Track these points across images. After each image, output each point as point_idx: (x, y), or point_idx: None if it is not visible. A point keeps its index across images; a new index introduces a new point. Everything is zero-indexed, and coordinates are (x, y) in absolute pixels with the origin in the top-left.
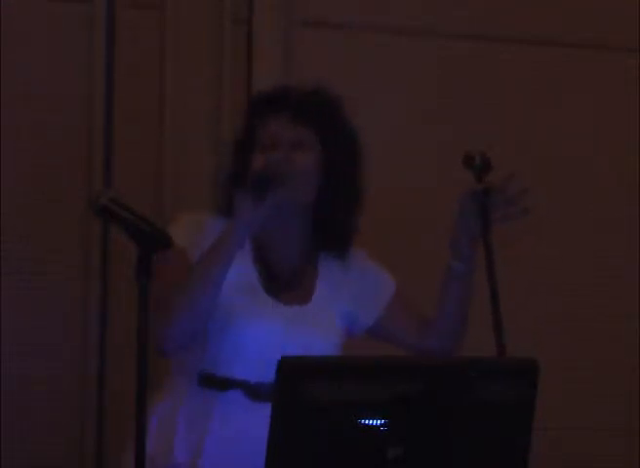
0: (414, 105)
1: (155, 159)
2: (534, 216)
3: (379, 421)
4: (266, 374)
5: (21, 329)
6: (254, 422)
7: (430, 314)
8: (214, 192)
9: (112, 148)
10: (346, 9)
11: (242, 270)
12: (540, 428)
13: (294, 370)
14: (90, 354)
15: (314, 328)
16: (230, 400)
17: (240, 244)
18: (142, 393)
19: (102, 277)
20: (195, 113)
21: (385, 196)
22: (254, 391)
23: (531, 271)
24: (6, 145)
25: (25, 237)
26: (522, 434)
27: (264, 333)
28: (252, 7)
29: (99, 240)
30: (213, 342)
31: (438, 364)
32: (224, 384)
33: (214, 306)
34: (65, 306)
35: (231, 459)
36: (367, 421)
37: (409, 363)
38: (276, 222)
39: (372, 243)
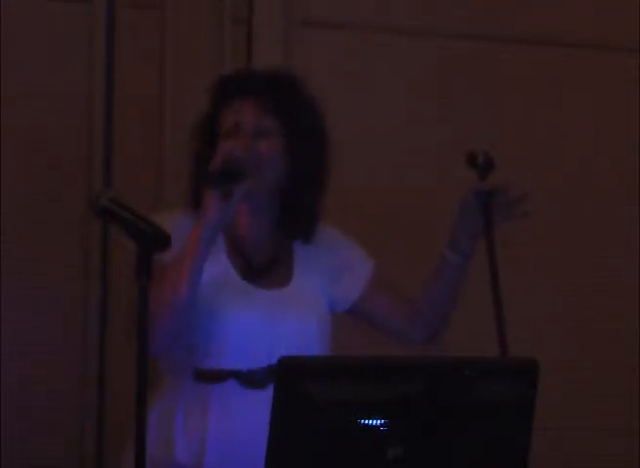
0: (414, 105)
1: (155, 159)
2: (534, 217)
3: (379, 421)
4: (258, 361)
5: (21, 329)
6: (251, 410)
7: (415, 299)
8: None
9: (112, 148)
10: (346, 9)
11: (218, 265)
12: (540, 428)
13: (294, 371)
14: (90, 354)
15: (298, 308)
16: (226, 390)
17: (211, 243)
18: (142, 393)
19: (102, 277)
20: (195, 113)
21: (385, 196)
22: (247, 379)
23: (531, 271)
24: (6, 145)
25: (25, 237)
26: (522, 434)
27: (249, 321)
28: (252, 7)
29: (99, 240)
30: (201, 339)
31: (438, 364)
32: (219, 376)
33: (192, 307)
34: (65, 306)
35: (233, 448)
36: (367, 421)
37: (409, 363)
38: (245, 211)
39: (372, 243)
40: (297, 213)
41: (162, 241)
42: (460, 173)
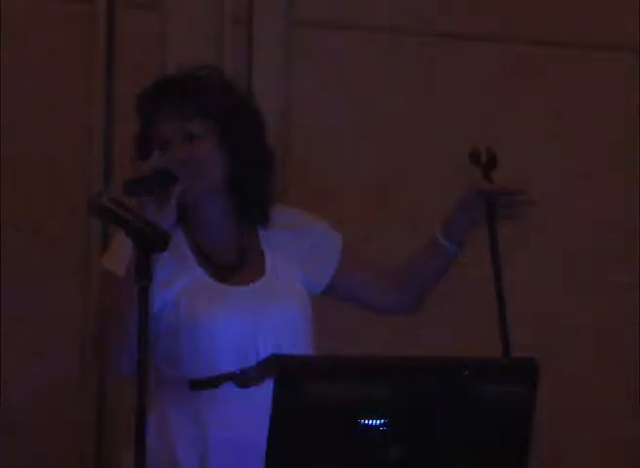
0: (414, 105)
1: None
2: (534, 216)
3: (379, 421)
4: (248, 359)
5: (21, 329)
6: (249, 409)
7: (397, 271)
8: None
9: (112, 148)
10: (347, 9)
11: (190, 276)
12: (539, 428)
13: (293, 371)
14: (90, 354)
15: (277, 298)
16: (222, 394)
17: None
18: (142, 393)
19: None
20: None
21: (385, 196)
22: (241, 379)
23: (531, 271)
24: (6, 145)
25: (25, 237)
26: (522, 434)
27: (232, 321)
28: (252, 7)
29: (99, 240)
30: (188, 350)
31: (438, 364)
32: (214, 382)
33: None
34: (65, 306)
35: (236, 449)
36: (367, 421)
37: (409, 363)
38: (201, 215)
39: (372, 243)
40: (249, 204)
41: (162, 241)
42: (460, 172)
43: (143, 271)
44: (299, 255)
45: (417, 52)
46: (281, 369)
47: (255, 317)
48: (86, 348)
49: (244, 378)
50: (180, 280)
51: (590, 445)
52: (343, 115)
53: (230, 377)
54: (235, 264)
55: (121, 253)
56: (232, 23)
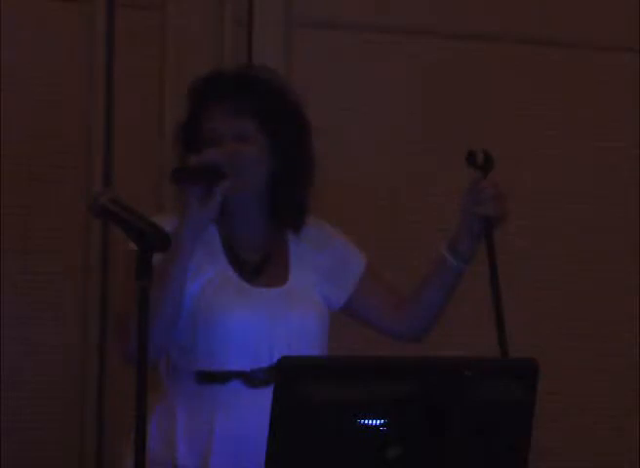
0: (414, 105)
1: (155, 159)
2: (533, 216)
3: (378, 421)
4: (260, 360)
5: (21, 329)
6: (256, 408)
7: (407, 296)
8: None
9: (112, 148)
10: (346, 9)
11: (217, 269)
12: (539, 428)
13: (294, 371)
14: (90, 354)
15: (297, 305)
16: (230, 391)
17: (194, 241)
18: (142, 393)
19: (102, 277)
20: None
21: (384, 196)
22: (251, 379)
23: (531, 270)
24: (6, 145)
25: (25, 237)
26: (522, 434)
27: (250, 321)
28: (252, 7)
29: (99, 240)
30: (203, 342)
31: (438, 364)
32: (223, 378)
33: (179, 307)
34: (65, 306)
35: (240, 448)
36: (367, 421)
37: (409, 363)
38: (237, 212)
39: (372, 243)
40: (286, 208)
41: (162, 241)
42: (459, 172)
43: (144, 271)
44: (321, 270)
45: (417, 52)
46: (281, 368)
47: (272, 320)
48: (86, 348)
49: (253, 378)
50: (206, 272)
51: (590, 445)
52: (343, 115)
53: (239, 375)
54: (260, 265)
55: None
56: (232, 24)
